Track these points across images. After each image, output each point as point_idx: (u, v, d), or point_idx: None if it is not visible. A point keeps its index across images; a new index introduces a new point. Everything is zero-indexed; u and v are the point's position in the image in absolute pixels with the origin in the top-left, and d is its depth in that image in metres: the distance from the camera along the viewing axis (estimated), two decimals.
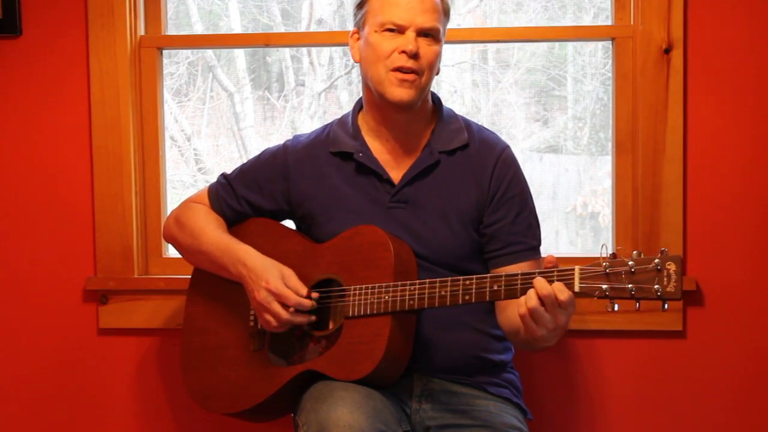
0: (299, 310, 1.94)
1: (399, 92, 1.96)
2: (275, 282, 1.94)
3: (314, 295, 1.96)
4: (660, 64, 2.38)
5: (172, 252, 2.54)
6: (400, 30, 1.97)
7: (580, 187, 2.80)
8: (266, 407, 2.03)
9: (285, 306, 1.93)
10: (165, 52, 2.61)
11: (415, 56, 1.95)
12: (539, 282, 1.71)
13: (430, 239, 2.02)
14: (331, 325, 1.96)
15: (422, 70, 1.97)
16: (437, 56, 2.00)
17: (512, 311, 1.89)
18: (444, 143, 2.06)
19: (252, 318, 2.05)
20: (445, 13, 2.03)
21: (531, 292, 1.72)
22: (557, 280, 1.71)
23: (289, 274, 1.97)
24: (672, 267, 1.64)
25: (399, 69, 1.95)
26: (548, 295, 1.70)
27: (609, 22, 2.49)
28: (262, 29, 2.82)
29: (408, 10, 1.96)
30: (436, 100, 2.12)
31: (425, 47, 1.97)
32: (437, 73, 2.05)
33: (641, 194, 2.40)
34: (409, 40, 1.95)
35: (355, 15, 2.06)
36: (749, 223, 2.39)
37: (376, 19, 1.99)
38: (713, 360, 2.42)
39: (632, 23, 2.41)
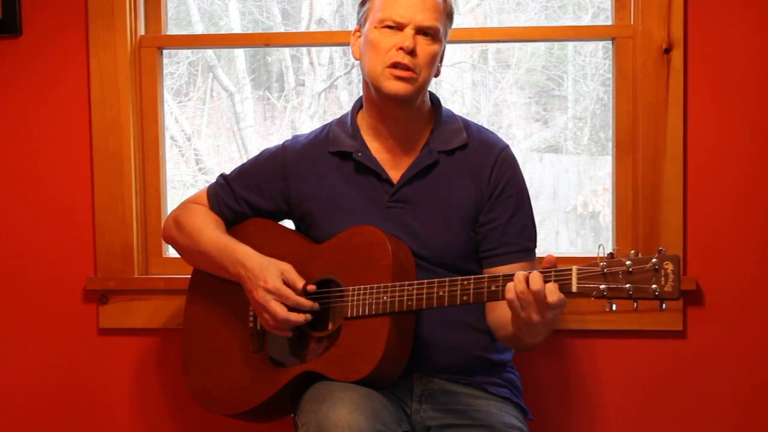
0: (298, 309, 1.94)
1: (395, 85, 1.96)
2: (273, 281, 1.94)
3: (311, 287, 1.95)
4: (660, 64, 2.37)
5: (172, 252, 2.54)
6: (399, 27, 1.97)
7: (580, 187, 2.80)
8: (266, 408, 2.03)
9: (283, 305, 1.93)
10: (165, 51, 2.61)
11: (411, 53, 1.95)
12: (534, 275, 1.71)
13: (428, 239, 2.01)
14: (330, 326, 1.96)
15: (419, 68, 1.97)
16: (435, 56, 2.00)
17: (502, 309, 1.89)
18: (443, 143, 2.06)
19: (251, 319, 2.05)
20: (448, 15, 2.03)
21: (519, 275, 1.72)
22: (554, 280, 1.71)
23: (288, 268, 1.96)
24: (669, 267, 1.64)
25: (395, 65, 1.95)
26: (539, 291, 1.70)
27: (609, 22, 2.49)
28: (262, 29, 2.82)
29: (408, 7, 1.96)
30: (435, 101, 2.11)
31: (423, 46, 1.97)
32: (437, 75, 2.05)
33: (641, 194, 2.40)
34: (406, 37, 1.95)
35: (358, 13, 2.07)
36: (749, 223, 2.39)
37: (376, 15, 1.99)
38: (713, 360, 2.41)
39: (632, 23, 2.41)
